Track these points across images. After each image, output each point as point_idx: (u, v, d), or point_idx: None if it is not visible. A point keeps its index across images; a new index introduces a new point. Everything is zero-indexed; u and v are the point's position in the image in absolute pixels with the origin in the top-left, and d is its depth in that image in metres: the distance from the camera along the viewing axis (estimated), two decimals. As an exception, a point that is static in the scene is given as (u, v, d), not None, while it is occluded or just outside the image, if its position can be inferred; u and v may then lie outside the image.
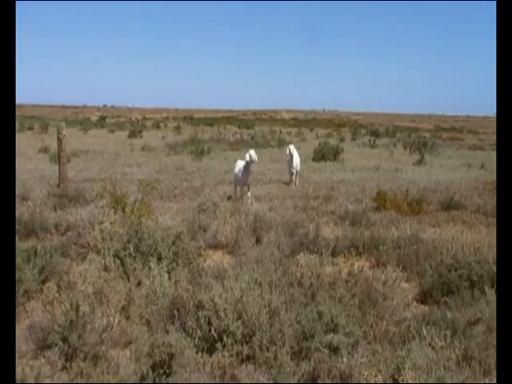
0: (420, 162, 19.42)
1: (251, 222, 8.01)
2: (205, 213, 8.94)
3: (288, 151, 14.06)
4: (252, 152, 10.95)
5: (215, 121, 71.03)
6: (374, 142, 30.50)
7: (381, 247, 6.96)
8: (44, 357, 4.03)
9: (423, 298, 5.70)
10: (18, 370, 3.66)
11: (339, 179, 14.40)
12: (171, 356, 3.58)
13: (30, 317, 4.83)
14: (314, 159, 19.90)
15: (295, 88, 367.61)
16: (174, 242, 6.25)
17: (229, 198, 11.32)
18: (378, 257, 6.84)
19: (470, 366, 3.98)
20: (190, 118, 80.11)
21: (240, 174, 11.05)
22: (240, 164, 11.21)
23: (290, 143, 17.92)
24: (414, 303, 5.47)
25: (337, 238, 7.45)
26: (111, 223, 7.35)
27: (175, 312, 4.63)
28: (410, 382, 3.02)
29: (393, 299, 5.15)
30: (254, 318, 4.28)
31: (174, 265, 5.93)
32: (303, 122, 73.13)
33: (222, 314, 4.31)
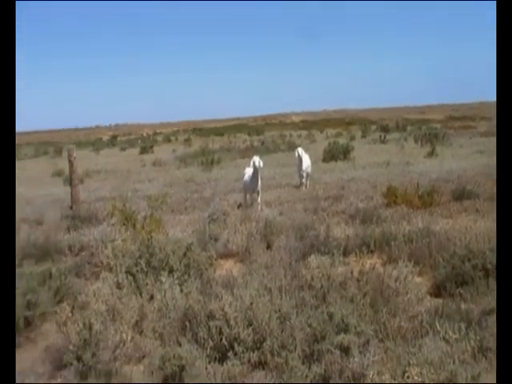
0: (431, 153, 19.25)
1: (261, 228, 8.01)
2: (215, 222, 8.96)
3: (297, 154, 14.04)
4: (256, 158, 10.98)
5: (225, 130, 71.44)
6: (385, 137, 30.37)
7: (392, 243, 6.89)
8: (60, 376, 4.10)
9: (437, 291, 5.62)
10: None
11: (349, 178, 14.31)
12: (182, 368, 3.60)
13: (46, 339, 4.92)
14: (324, 160, 19.87)
15: (304, 90, 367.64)
16: (185, 254, 6.27)
17: (239, 206, 11.34)
18: (389, 253, 6.76)
19: (486, 358, 3.91)
20: (199, 130, 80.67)
21: (249, 181, 11.08)
22: (249, 171, 11.24)
23: (299, 146, 17.93)
24: (428, 297, 5.40)
25: (348, 238, 7.39)
26: (123, 240, 7.43)
27: (187, 324, 4.65)
28: (415, 378, 2.98)
29: (405, 294, 5.11)
30: (264, 324, 4.29)
31: (185, 277, 5.96)
32: (313, 124, 73.13)
33: (232, 322, 4.33)
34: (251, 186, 11.03)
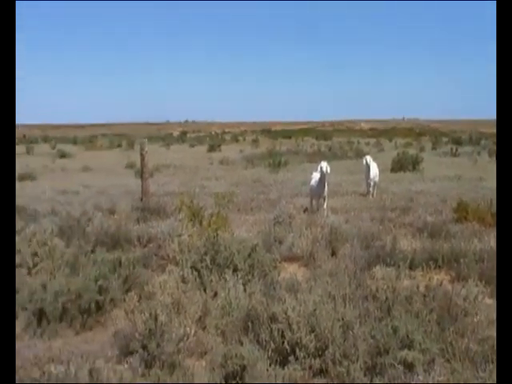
0: (508, 170, 18.34)
1: (327, 234, 7.96)
2: (281, 225, 8.99)
3: (365, 162, 13.85)
4: (323, 164, 10.91)
5: (293, 133, 71.52)
6: (456, 150, 29.31)
7: (462, 260, 6.65)
8: (127, 362, 4.27)
9: (509, 315, 5.36)
10: (104, 373, 3.90)
11: (418, 190, 13.95)
12: (243, 368, 3.65)
13: (115, 324, 5.15)
14: (392, 170, 19.49)
15: (373, 98, 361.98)
16: (249, 255, 6.33)
17: (305, 210, 11.31)
18: (458, 270, 6.52)
19: None
20: (267, 131, 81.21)
21: (316, 186, 11.04)
22: (316, 176, 11.20)
23: (368, 154, 17.67)
24: (500, 321, 5.16)
25: (415, 251, 7.20)
26: (189, 236, 7.63)
27: (249, 324, 4.70)
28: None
29: (475, 315, 4.92)
30: (327, 331, 4.26)
31: (249, 277, 6.01)
32: (382, 132, 71.77)
33: (295, 326, 4.33)
34: (318, 191, 10.98)
